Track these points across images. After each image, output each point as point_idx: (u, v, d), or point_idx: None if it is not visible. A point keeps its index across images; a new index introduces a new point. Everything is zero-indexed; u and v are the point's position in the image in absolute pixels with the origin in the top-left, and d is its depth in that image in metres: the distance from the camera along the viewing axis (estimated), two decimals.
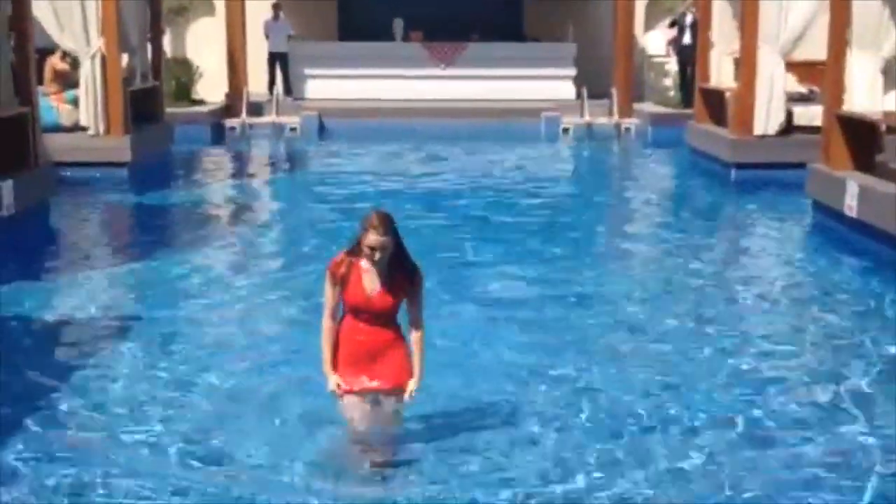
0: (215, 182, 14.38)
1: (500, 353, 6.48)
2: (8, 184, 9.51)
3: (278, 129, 18.53)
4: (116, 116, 13.14)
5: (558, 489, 4.66)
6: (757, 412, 5.54)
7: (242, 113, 18.72)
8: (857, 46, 10.36)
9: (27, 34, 10.64)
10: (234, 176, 15.39)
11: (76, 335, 6.99)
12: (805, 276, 8.95)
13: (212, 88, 19.21)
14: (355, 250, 4.60)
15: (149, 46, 15.22)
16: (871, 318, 7.33)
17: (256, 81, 19.55)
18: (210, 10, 20.59)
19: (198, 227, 11.03)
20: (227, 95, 19.21)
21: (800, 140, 12.85)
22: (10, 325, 7.12)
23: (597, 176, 15.55)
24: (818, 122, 11.65)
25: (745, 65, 13.35)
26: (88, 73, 12.96)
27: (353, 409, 4.76)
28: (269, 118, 18.81)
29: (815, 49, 12.31)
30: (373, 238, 4.50)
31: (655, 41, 20.41)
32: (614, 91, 18.89)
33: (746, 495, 4.62)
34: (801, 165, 11.21)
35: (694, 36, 17.08)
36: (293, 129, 18.45)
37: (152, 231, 10.73)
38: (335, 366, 4.73)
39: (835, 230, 10.05)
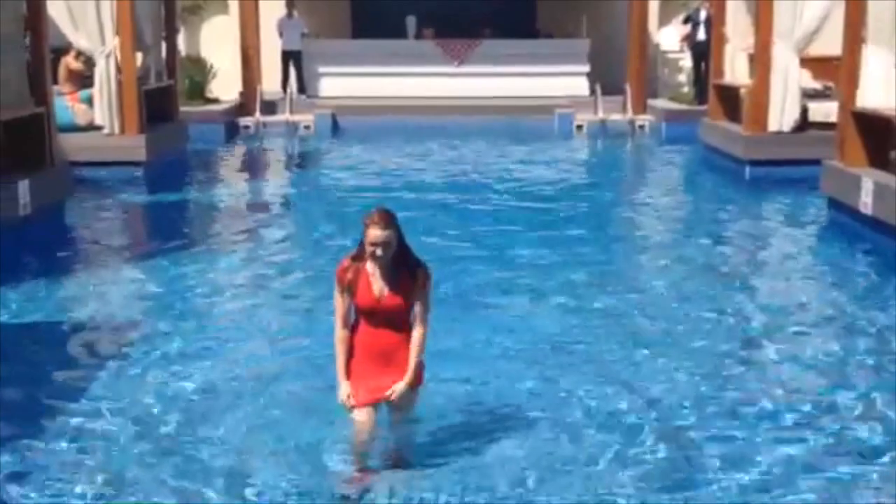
0: (230, 181, 14.43)
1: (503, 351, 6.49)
2: (24, 183, 9.55)
3: (292, 127, 18.56)
4: (131, 115, 13.19)
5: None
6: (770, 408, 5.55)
7: (256, 111, 18.75)
8: (872, 42, 10.31)
9: (42, 34, 10.67)
10: (248, 175, 15.44)
11: (92, 335, 7.01)
12: (820, 272, 8.93)
13: (226, 87, 19.25)
14: (360, 254, 4.58)
15: (163, 45, 15.27)
16: (889, 315, 7.30)
17: (270, 80, 19.58)
18: (224, 9, 20.61)
19: (213, 226, 11.08)
20: (241, 94, 19.25)
21: (814, 137, 12.80)
22: (26, 325, 7.16)
23: (610, 173, 15.50)
24: (833, 119, 11.58)
25: (760, 61, 13.30)
26: (103, 72, 13.00)
27: (362, 417, 4.71)
28: (282, 116, 18.83)
29: (831, 45, 12.27)
30: (374, 233, 4.47)
31: (669, 37, 20.35)
32: (628, 87, 18.84)
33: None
34: (815, 162, 11.15)
35: (708, 32, 17.02)
36: (307, 128, 18.47)
37: (167, 230, 10.76)
38: (348, 374, 4.69)
39: (850, 227, 10.00)
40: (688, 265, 9.03)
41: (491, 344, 6.64)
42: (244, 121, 18.62)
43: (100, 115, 13.14)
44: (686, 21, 18.86)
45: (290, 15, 19.77)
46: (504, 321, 7.14)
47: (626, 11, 19.23)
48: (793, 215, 11.20)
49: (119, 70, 13.10)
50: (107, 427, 5.35)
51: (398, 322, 4.67)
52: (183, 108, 16.11)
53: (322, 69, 20.01)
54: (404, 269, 4.60)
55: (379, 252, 4.50)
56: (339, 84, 19.76)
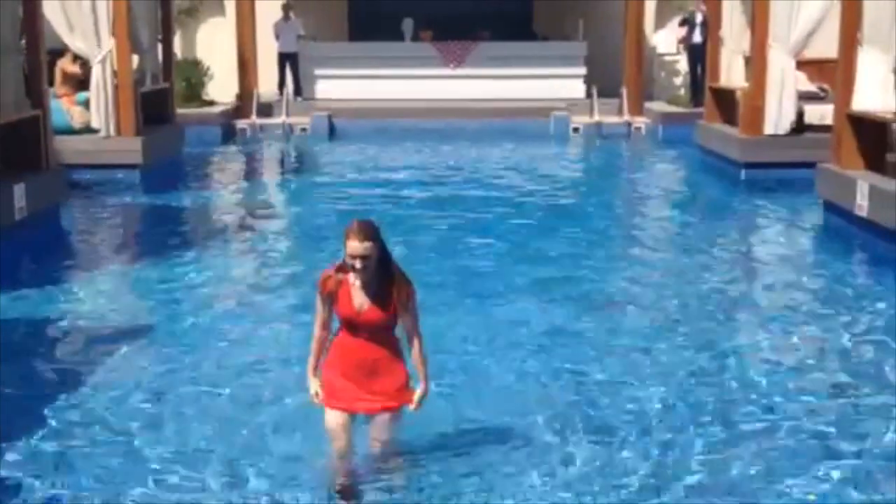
0: (227, 183, 14.42)
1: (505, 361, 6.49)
2: (20, 187, 9.54)
3: (289, 129, 18.57)
4: (127, 118, 13.19)
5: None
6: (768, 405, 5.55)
7: (253, 114, 18.75)
8: (868, 45, 10.33)
9: (38, 36, 10.66)
10: (245, 177, 15.43)
11: (87, 338, 7.00)
12: (815, 276, 8.91)
13: (222, 89, 19.26)
14: (344, 265, 4.46)
15: (159, 47, 15.26)
16: (883, 318, 7.30)
17: (266, 82, 19.58)
18: (220, 11, 20.62)
19: (210, 229, 11.07)
20: (238, 96, 19.26)
21: (810, 139, 12.82)
22: (22, 328, 7.15)
23: (606, 176, 15.50)
24: (829, 121, 11.60)
25: (756, 63, 13.33)
26: (99, 74, 12.99)
27: (333, 422, 4.62)
28: (279, 119, 18.84)
29: (826, 47, 12.28)
30: (353, 245, 4.34)
31: (666, 40, 20.37)
32: (624, 90, 18.87)
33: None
34: (811, 165, 11.16)
35: (704, 34, 17.07)
36: (303, 130, 18.48)
37: (164, 233, 10.74)
38: (324, 374, 4.62)
39: (845, 230, 10.01)
40: (682, 267, 9.04)
41: (479, 342, 6.67)
42: (241, 123, 18.62)
43: (96, 117, 13.13)
44: (682, 24, 18.89)
45: (286, 17, 19.76)
46: (497, 324, 7.14)
47: (623, 14, 19.26)
48: (788, 218, 11.21)
49: (115, 73, 13.09)
50: (103, 428, 5.34)
51: (380, 335, 4.54)
52: (179, 111, 16.11)
53: (319, 71, 20.02)
54: (387, 282, 4.48)
55: (358, 265, 4.36)
56: (336, 86, 19.76)
